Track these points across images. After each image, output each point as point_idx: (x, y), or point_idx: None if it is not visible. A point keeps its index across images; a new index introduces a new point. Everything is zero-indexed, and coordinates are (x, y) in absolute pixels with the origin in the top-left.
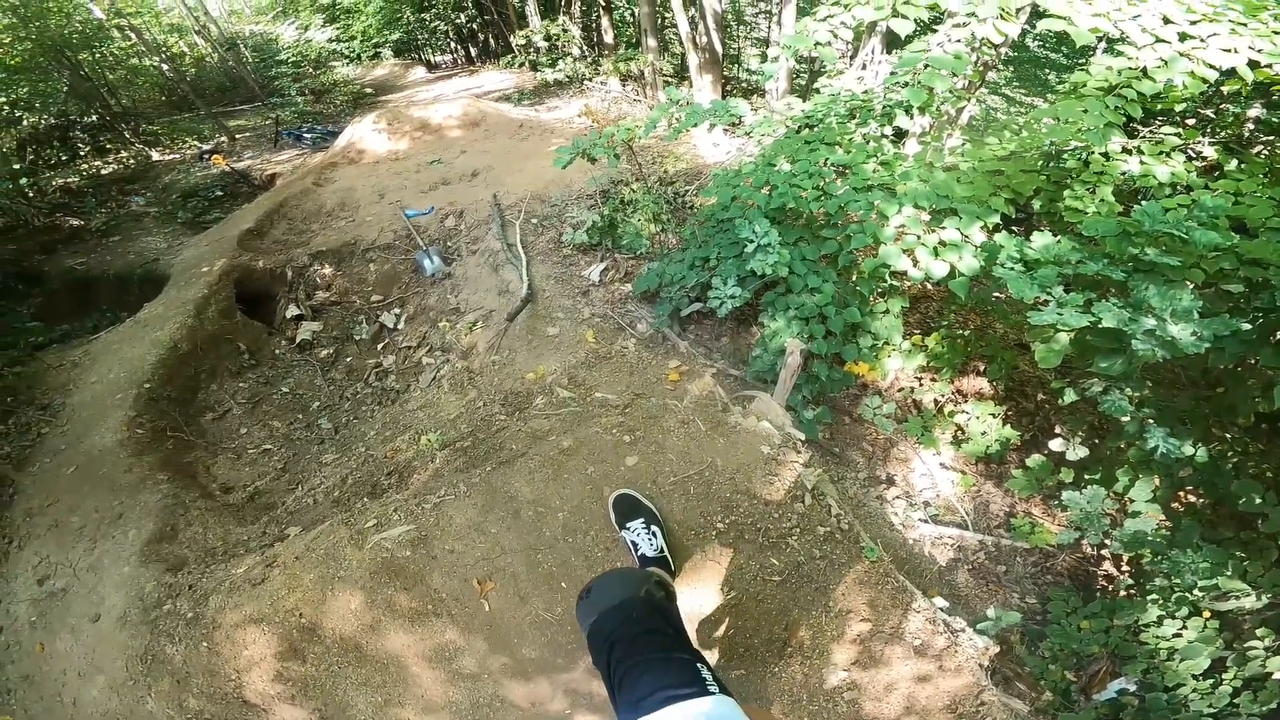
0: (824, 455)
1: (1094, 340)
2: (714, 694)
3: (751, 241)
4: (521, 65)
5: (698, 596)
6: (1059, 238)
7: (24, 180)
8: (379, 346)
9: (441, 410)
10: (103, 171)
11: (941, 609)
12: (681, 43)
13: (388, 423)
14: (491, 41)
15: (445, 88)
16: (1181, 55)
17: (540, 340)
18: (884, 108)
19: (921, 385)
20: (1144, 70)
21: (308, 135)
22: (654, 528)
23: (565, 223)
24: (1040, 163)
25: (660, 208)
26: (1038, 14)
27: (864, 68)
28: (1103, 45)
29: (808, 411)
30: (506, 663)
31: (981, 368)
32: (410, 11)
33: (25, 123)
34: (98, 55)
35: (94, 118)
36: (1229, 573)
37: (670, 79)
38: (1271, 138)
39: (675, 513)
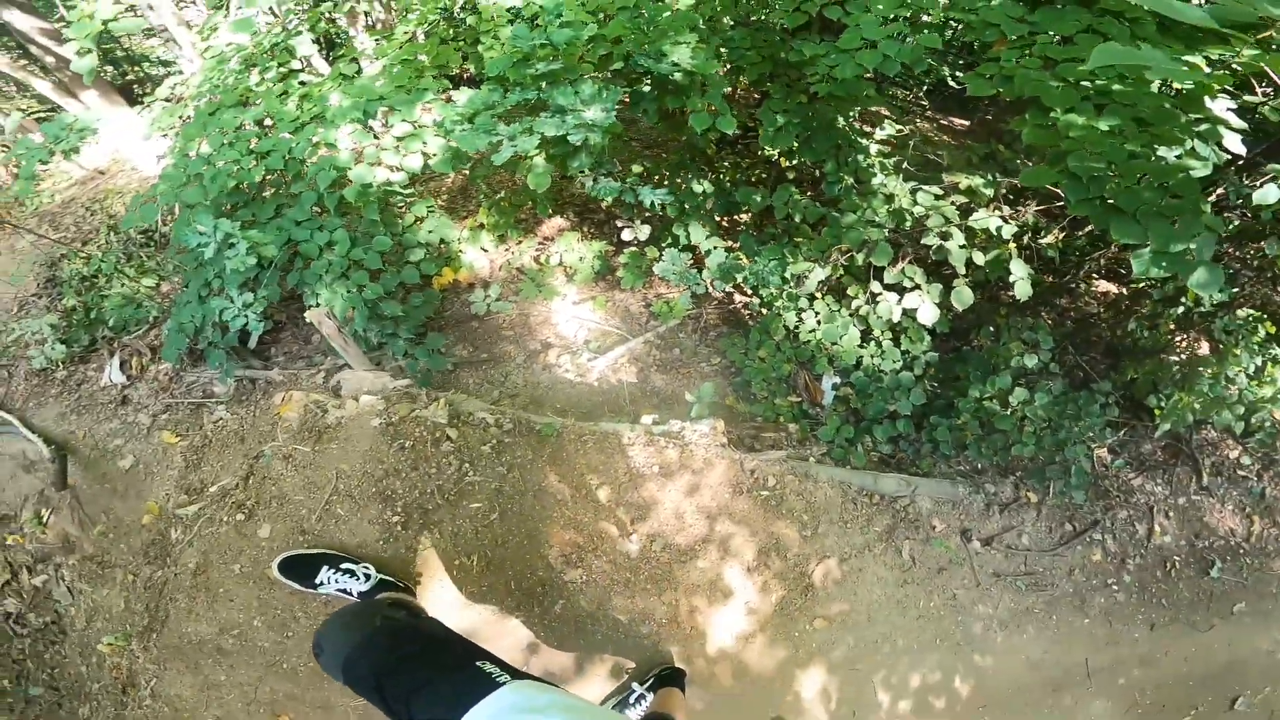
0: (477, 368)
1: (557, 151)
2: (504, 683)
3: (208, 244)
4: None
5: (445, 591)
6: (482, 87)
7: None
8: None
9: (110, 608)
10: None
11: (652, 424)
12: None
13: (83, 652)
14: None
15: None
16: None
17: (122, 479)
18: (275, 43)
19: (513, 253)
20: None
21: None
22: (345, 565)
23: (27, 344)
24: (449, 33)
25: (137, 258)
26: None
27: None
28: None
29: (420, 348)
30: None
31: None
32: None
33: None
34: None
35: None
36: (790, 260)
37: (50, 112)
38: None
39: (348, 541)
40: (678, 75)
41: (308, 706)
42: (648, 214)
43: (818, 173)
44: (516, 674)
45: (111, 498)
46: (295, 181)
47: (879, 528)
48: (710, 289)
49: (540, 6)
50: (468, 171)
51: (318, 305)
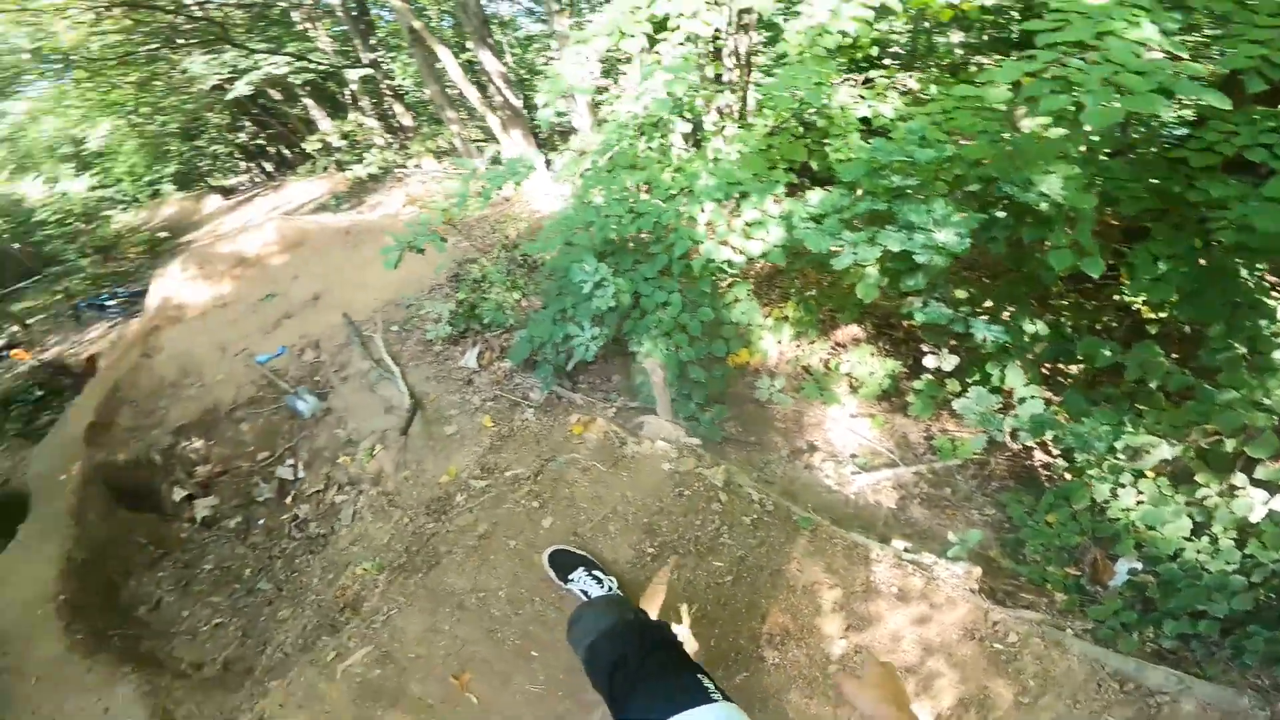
0: (742, 447)
1: (893, 265)
2: (716, 701)
3: (586, 282)
4: (326, 169)
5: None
6: (830, 189)
7: None
8: (287, 500)
9: (373, 539)
10: None
11: (903, 550)
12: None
13: (326, 567)
14: (285, 152)
15: (250, 212)
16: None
17: (442, 442)
18: (658, 119)
19: (803, 351)
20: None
21: (111, 303)
22: (596, 572)
23: (426, 319)
24: (800, 130)
25: (513, 274)
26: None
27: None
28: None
29: (705, 415)
30: None
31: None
32: (178, 142)
33: None
34: None
35: None
36: (1129, 429)
37: (484, 142)
38: (975, 56)
39: (605, 554)
40: (1044, 205)
41: (493, 677)
42: (953, 343)
43: (1187, 330)
44: (727, 696)
45: (428, 453)
46: (655, 243)
47: (1116, 718)
48: (1009, 439)
49: (890, 120)
50: (783, 263)
51: (645, 354)
